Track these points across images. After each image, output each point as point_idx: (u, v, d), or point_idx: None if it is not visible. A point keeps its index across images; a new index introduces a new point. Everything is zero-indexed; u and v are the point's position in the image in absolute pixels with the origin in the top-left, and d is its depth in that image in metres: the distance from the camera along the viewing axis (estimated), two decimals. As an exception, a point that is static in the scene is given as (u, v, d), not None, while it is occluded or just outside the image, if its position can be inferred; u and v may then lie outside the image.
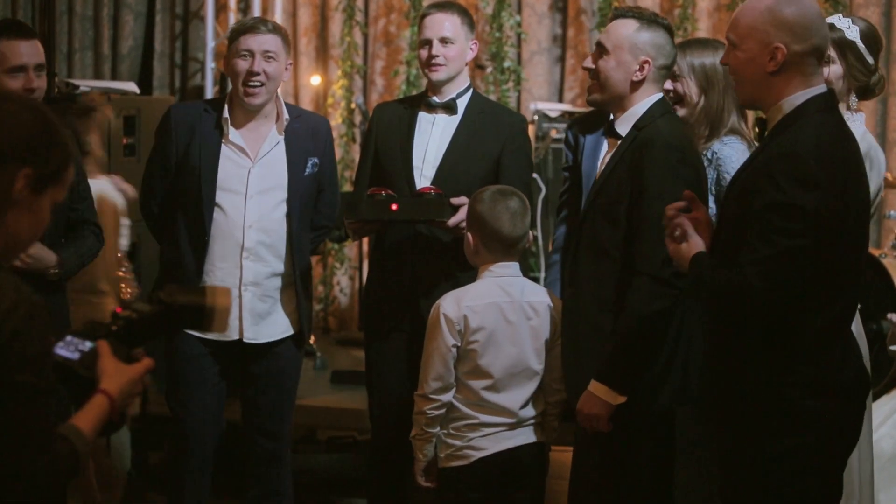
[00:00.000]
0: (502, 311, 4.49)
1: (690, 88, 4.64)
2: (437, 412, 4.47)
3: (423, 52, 5.24)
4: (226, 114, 5.12)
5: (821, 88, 3.60)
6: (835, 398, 3.55)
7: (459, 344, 4.45)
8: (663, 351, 4.21)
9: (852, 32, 4.45)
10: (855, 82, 4.47)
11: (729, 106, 4.65)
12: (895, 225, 7.59)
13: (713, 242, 3.69)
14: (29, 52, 4.66)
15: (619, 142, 4.35)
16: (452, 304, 4.47)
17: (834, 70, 4.50)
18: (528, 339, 4.51)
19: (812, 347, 3.52)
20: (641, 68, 4.29)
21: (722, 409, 3.70)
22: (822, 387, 3.53)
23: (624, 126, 4.33)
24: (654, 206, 4.08)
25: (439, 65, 5.20)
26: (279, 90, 5.20)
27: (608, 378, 4.19)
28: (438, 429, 4.52)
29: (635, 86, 4.32)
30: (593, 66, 4.38)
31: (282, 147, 5.15)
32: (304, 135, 5.20)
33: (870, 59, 4.49)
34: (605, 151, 4.67)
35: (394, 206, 4.98)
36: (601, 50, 4.36)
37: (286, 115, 5.15)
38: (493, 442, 4.49)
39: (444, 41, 5.19)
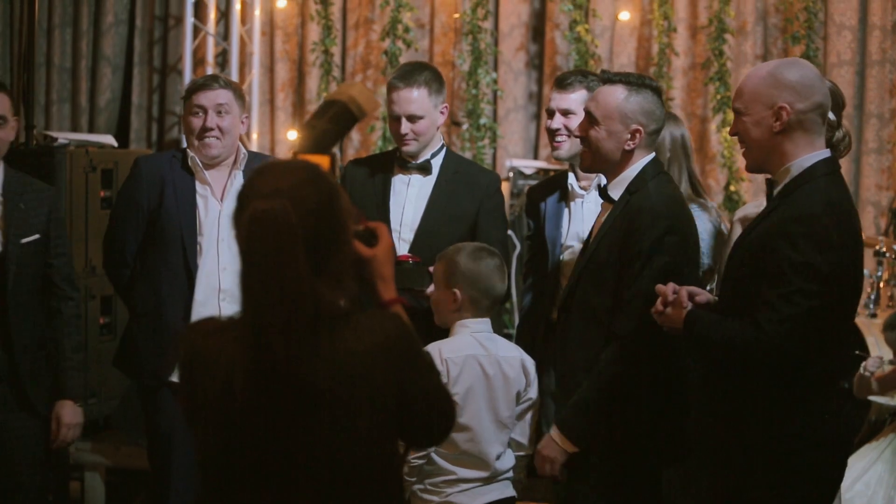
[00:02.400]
0: (480, 364, 4.48)
1: None
2: (420, 461, 4.46)
3: (395, 126, 5.25)
4: (192, 153, 5.17)
5: (826, 153, 3.73)
6: (828, 449, 3.64)
7: None
8: (620, 413, 4.21)
9: None
10: None
11: (678, 176, 4.71)
12: (867, 283, 7.62)
13: (720, 300, 3.77)
14: None
15: (612, 206, 4.32)
16: (434, 356, 4.46)
17: None
18: (503, 393, 4.52)
19: (811, 399, 3.61)
20: (633, 137, 4.26)
21: (717, 458, 3.75)
22: (818, 438, 3.61)
23: (616, 190, 4.30)
24: (638, 276, 4.10)
25: (410, 140, 5.22)
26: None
27: (565, 428, 4.22)
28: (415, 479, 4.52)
29: (627, 154, 4.29)
30: (583, 136, 4.35)
31: None
32: None
33: (830, 115, 4.49)
34: (599, 214, 4.65)
35: None
36: (591, 119, 4.31)
37: (244, 152, 5.22)
38: (470, 497, 4.48)
39: (412, 118, 5.20)
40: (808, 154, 3.69)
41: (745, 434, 3.64)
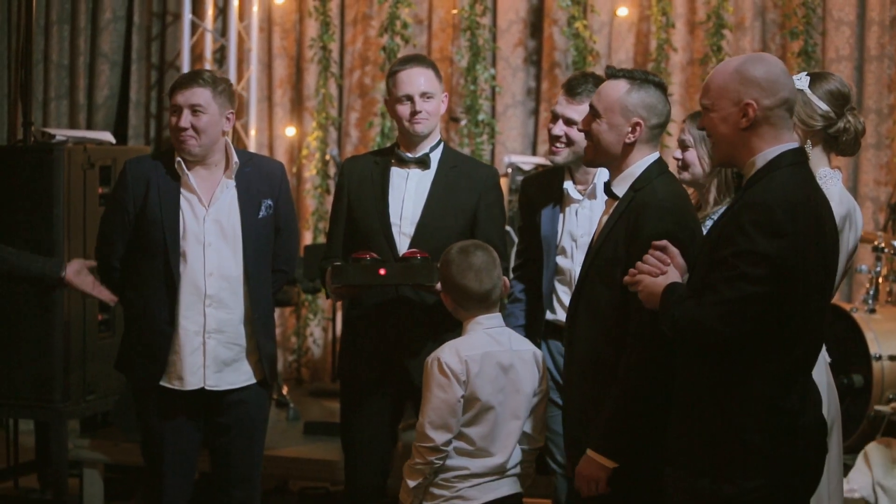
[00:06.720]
0: (497, 360, 4.52)
1: (703, 158, 4.72)
2: (442, 461, 4.47)
3: (404, 108, 5.20)
4: (178, 157, 5.16)
5: (793, 144, 3.74)
6: (793, 443, 3.62)
7: (465, 394, 4.46)
8: (657, 416, 4.17)
9: (801, 82, 4.50)
10: (806, 128, 4.48)
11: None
12: (866, 279, 7.63)
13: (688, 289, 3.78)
14: None
15: (615, 202, 4.32)
16: (453, 356, 4.48)
17: None
18: (519, 388, 4.55)
19: (769, 392, 3.60)
20: (634, 130, 4.26)
21: (679, 449, 3.76)
22: (780, 431, 3.59)
23: (620, 186, 4.31)
24: None
25: (423, 119, 5.20)
26: (230, 138, 5.28)
27: (603, 448, 4.15)
28: None
29: (629, 147, 4.29)
30: (587, 129, 4.38)
31: (233, 192, 5.17)
32: (257, 178, 5.23)
33: (822, 106, 4.48)
34: (602, 211, 4.55)
35: (382, 271, 4.98)
36: (593, 113, 4.34)
37: (235, 160, 5.18)
38: (481, 492, 4.50)
39: (424, 95, 5.18)
40: (773, 147, 3.72)
41: (705, 424, 3.66)
